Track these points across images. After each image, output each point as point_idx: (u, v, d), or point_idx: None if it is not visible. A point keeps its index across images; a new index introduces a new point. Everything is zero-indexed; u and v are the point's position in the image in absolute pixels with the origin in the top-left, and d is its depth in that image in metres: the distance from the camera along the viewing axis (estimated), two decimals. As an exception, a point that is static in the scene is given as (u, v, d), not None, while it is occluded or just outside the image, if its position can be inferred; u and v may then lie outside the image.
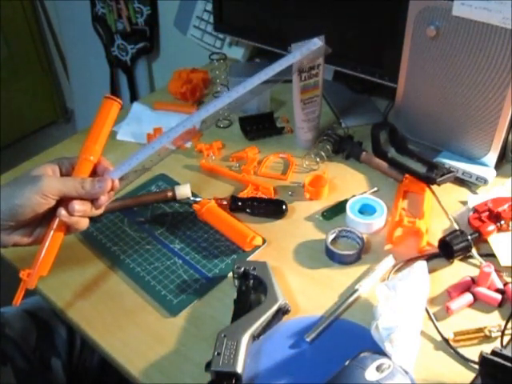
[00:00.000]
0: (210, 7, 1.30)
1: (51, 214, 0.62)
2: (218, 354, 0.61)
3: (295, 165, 0.98)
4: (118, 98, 0.65)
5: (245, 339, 0.62)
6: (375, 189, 0.91)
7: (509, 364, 0.52)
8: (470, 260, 0.77)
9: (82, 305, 0.74)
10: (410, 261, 0.77)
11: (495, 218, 0.80)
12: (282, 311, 0.68)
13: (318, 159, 0.97)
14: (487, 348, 0.55)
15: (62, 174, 0.64)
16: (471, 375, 0.63)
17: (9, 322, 0.84)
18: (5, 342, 0.81)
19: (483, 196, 0.86)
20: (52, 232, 0.63)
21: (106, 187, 0.62)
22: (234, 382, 0.59)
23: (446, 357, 0.65)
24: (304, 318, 0.70)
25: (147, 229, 0.85)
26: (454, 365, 0.64)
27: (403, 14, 0.87)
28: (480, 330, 0.67)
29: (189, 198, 0.89)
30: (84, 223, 0.63)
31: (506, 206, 0.80)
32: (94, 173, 0.65)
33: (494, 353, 0.54)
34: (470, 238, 0.75)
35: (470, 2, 0.79)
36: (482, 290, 0.71)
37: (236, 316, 0.68)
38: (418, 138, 0.98)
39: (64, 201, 0.62)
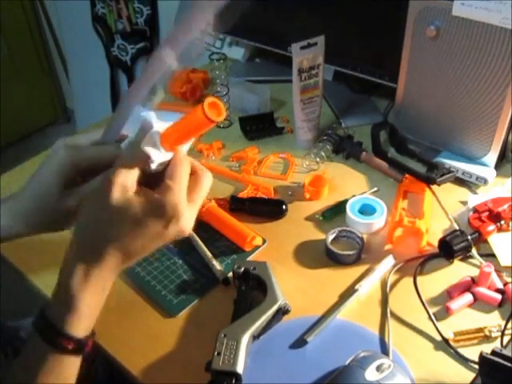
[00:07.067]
0: (209, 7, 1.30)
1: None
2: (218, 353, 0.61)
3: (295, 165, 0.98)
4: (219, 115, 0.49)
5: (245, 339, 0.62)
6: (375, 189, 0.91)
7: (509, 364, 0.52)
8: (470, 260, 0.77)
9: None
10: (410, 261, 0.77)
11: (495, 217, 0.79)
12: (282, 311, 0.68)
13: (317, 159, 0.97)
14: (487, 348, 0.55)
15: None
16: (471, 375, 0.63)
17: (24, 326, 0.85)
18: (19, 344, 0.81)
19: (483, 196, 0.86)
20: None
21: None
22: (234, 381, 0.59)
23: (446, 357, 0.65)
24: (304, 318, 0.70)
25: (147, 229, 0.85)
26: (454, 365, 0.64)
27: (403, 14, 0.87)
28: (480, 329, 0.67)
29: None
30: None
31: (505, 206, 0.80)
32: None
33: (493, 353, 0.54)
34: (469, 237, 0.75)
35: (470, 2, 0.79)
36: (482, 289, 0.71)
37: (236, 316, 0.68)
38: (418, 138, 0.98)
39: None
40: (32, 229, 0.58)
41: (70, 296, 0.50)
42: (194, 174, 0.53)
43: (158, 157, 0.51)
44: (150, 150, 0.51)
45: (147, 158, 0.51)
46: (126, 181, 0.49)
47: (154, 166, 0.51)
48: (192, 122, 0.51)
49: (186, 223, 0.52)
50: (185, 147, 0.55)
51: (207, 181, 0.53)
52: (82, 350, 0.51)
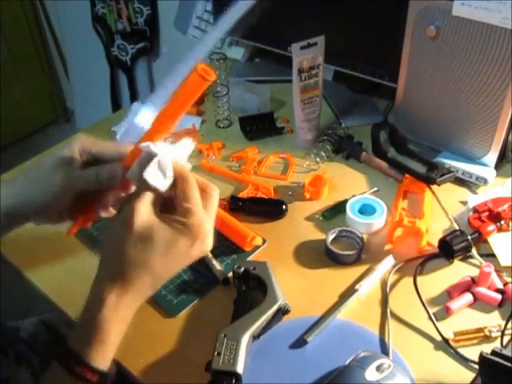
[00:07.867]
0: (209, 7, 1.30)
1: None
2: (218, 353, 0.61)
3: (295, 165, 0.98)
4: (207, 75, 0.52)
5: (245, 339, 0.62)
6: (375, 189, 0.91)
7: (509, 364, 0.52)
8: (470, 260, 0.77)
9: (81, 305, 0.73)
10: (410, 261, 0.77)
11: (495, 217, 0.80)
12: (282, 311, 0.68)
13: (318, 159, 0.97)
14: (487, 348, 0.55)
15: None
16: (471, 375, 0.63)
17: (24, 326, 0.85)
18: (19, 344, 0.81)
19: (483, 196, 0.86)
20: None
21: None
22: (234, 381, 0.59)
23: (446, 357, 0.65)
24: (304, 318, 0.70)
25: (147, 229, 0.85)
26: (454, 365, 0.64)
27: (403, 13, 0.87)
28: (480, 329, 0.67)
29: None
30: None
31: (505, 206, 0.80)
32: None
33: (493, 353, 0.54)
34: (469, 237, 0.75)
35: (470, 2, 0.79)
36: (482, 290, 0.71)
37: (236, 316, 0.68)
38: (418, 138, 0.98)
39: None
40: (29, 209, 0.58)
41: (99, 328, 0.49)
42: (202, 190, 0.54)
43: (162, 183, 0.53)
44: (153, 181, 0.52)
45: (154, 189, 0.52)
46: (146, 206, 0.51)
47: (163, 190, 0.53)
48: (186, 89, 0.54)
49: (209, 240, 0.53)
50: (184, 153, 0.56)
51: (216, 195, 0.55)
52: (105, 382, 0.51)
